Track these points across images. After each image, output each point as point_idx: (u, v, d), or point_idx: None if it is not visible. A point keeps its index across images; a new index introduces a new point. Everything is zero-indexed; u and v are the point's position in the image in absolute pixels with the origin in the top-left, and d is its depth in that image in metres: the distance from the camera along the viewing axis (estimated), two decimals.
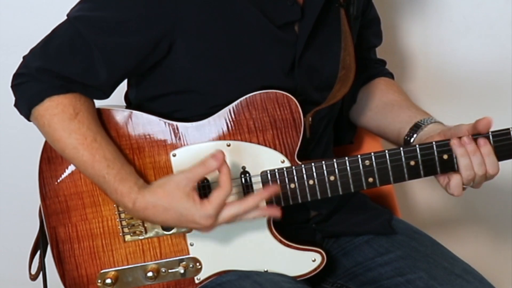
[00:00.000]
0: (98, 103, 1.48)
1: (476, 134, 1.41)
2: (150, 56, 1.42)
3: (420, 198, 2.31)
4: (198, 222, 1.36)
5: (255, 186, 1.44)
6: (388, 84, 1.73)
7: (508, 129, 1.41)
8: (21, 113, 1.45)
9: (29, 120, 1.45)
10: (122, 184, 1.39)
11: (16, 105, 1.45)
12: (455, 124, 1.45)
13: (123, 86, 1.59)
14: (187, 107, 1.47)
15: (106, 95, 1.47)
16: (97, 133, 1.41)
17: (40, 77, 1.40)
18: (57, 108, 1.40)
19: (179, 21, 1.38)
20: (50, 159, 1.47)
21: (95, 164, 1.40)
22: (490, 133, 1.40)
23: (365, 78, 1.71)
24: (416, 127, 1.53)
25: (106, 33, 1.39)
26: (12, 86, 1.45)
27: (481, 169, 1.40)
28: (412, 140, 1.53)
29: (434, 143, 1.41)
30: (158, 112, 1.48)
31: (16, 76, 1.45)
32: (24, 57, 1.45)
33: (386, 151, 1.42)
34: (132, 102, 1.59)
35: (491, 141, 1.40)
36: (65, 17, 1.43)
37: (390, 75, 1.77)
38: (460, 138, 1.40)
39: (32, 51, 1.45)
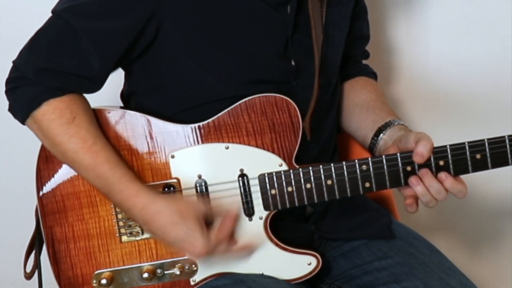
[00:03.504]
0: (96, 101, 1.53)
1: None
2: (139, 38, 1.46)
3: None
4: (197, 248, 1.43)
5: (252, 189, 1.50)
6: (364, 83, 1.78)
7: (504, 136, 1.47)
8: (16, 117, 1.49)
9: (24, 124, 1.49)
10: (130, 186, 1.45)
11: (10, 109, 1.49)
12: (411, 132, 1.52)
13: (119, 86, 1.67)
14: (178, 99, 1.53)
15: (98, 86, 1.51)
16: (96, 137, 1.47)
17: (38, 79, 1.44)
18: (54, 113, 1.45)
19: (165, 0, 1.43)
20: (48, 158, 1.52)
21: (97, 168, 1.45)
22: (485, 140, 1.46)
23: (343, 77, 1.77)
24: (377, 134, 1.61)
25: (93, 18, 1.43)
26: (6, 92, 1.49)
27: (440, 196, 1.48)
28: (375, 149, 1.61)
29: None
30: (151, 105, 1.54)
31: (8, 81, 1.48)
32: (13, 62, 1.49)
33: (383, 156, 1.48)
34: (124, 95, 1.64)
35: (487, 148, 1.46)
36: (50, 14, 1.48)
37: (372, 75, 1.82)
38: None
39: (21, 53, 1.48)
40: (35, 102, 1.45)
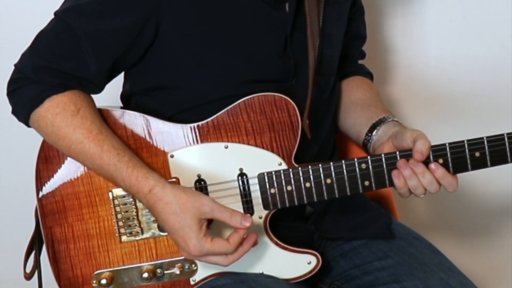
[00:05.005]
0: (96, 102, 1.53)
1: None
2: (138, 40, 1.47)
3: (419, 200, 2.31)
4: (188, 246, 1.43)
5: (252, 188, 1.51)
6: (360, 82, 1.79)
7: (503, 134, 1.48)
8: (19, 119, 1.50)
9: (28, 125, 1.50)
10: (137, 170, 1.45)
11: (13, 112, 1.50)
12: (407, 130, 1.53)
13: (119, 86, 1.68)
14: (178, 99, 1.54)
15: (99, 88, 1.52)
16: (102, 127, 1.48)
17: (37, 77, 1.46)
18: (58, 107, 1.46)
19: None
20: (48, 159, 1.53)
21: (103, 154, 1.45)
22: (484, 138, 1.47)
23: (340, 76, 1.78)
24: (371, 130, 1.62)
25: (93, 17, 1.45)
26: (7, 94, 1.50)
27: (433, 188, 1.49)
28: (369, 145, 1.62)
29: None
30: (151, 106, 1.55)
31: (10, 83, 1.50)
32: (15, 65, 1.50)
33: (383, 155, 1.49)
34: (124, 96, 1.66)
35: (486, 146, 1.48)
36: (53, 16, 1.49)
37: (368, 75, 1.84)
38: (407, 160, 1.48)
39: (23, 55, 1.50)
40: (37, 100, 1.46)
